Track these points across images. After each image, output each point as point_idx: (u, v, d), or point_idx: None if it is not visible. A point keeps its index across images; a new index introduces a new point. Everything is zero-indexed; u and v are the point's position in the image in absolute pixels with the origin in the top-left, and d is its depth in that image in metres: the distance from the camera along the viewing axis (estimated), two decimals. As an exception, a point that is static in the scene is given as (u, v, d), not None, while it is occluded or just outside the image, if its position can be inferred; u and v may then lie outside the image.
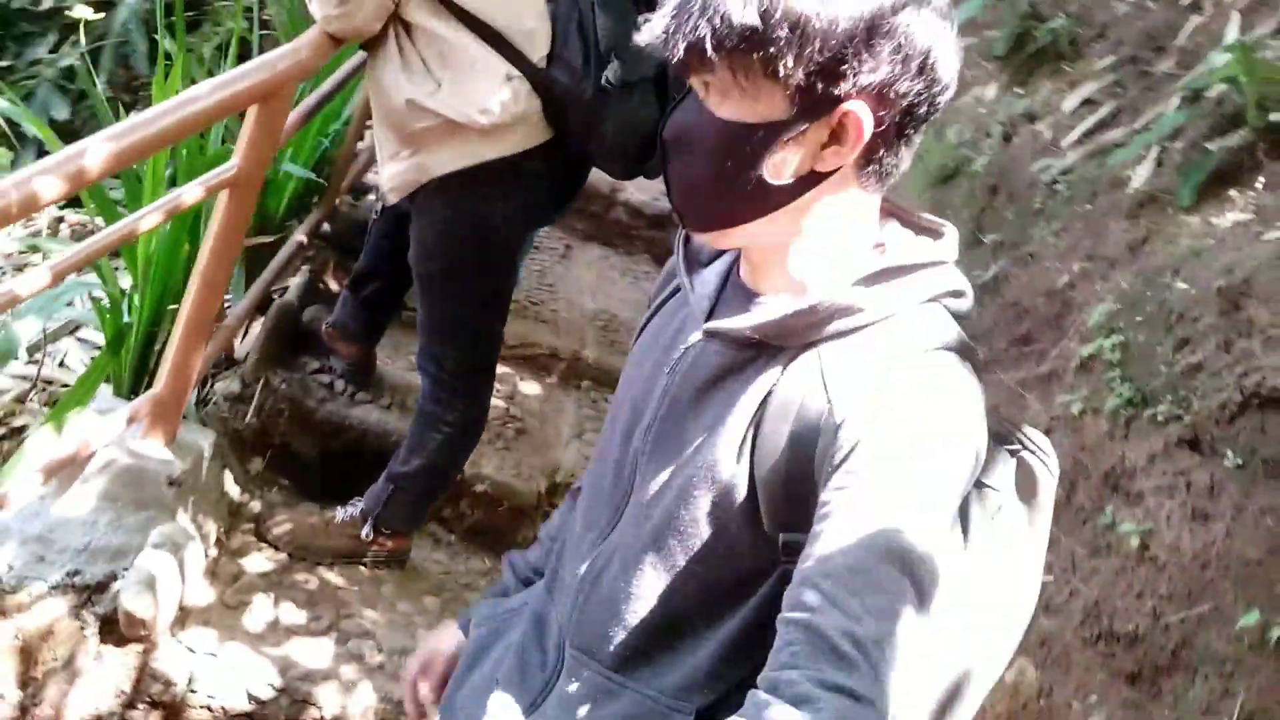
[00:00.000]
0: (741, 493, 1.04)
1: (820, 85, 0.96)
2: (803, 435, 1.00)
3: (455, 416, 2.46)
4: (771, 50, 0.94)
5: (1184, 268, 2.60)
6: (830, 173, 1.01)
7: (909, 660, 0.87)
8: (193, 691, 2.23)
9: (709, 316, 1.12)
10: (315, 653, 2.36)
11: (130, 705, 2.23)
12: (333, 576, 2.59)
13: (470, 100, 2.12)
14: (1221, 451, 2.27)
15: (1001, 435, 1.10)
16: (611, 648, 1.13)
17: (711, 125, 1.00)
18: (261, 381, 2.86)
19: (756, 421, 1.04)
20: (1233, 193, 2.76)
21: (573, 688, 1.16)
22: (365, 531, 2.61)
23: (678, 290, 1.20)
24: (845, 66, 0.95)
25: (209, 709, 2.24)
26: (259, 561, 2.54)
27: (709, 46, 0.95)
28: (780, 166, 1.00)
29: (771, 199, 1.01)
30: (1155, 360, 2.50)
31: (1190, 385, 2.39)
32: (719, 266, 1.17)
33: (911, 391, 0.97)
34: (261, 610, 2.42)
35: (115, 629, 2.23)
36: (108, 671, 2.22)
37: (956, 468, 0.96)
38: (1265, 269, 2.37)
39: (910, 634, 0.87)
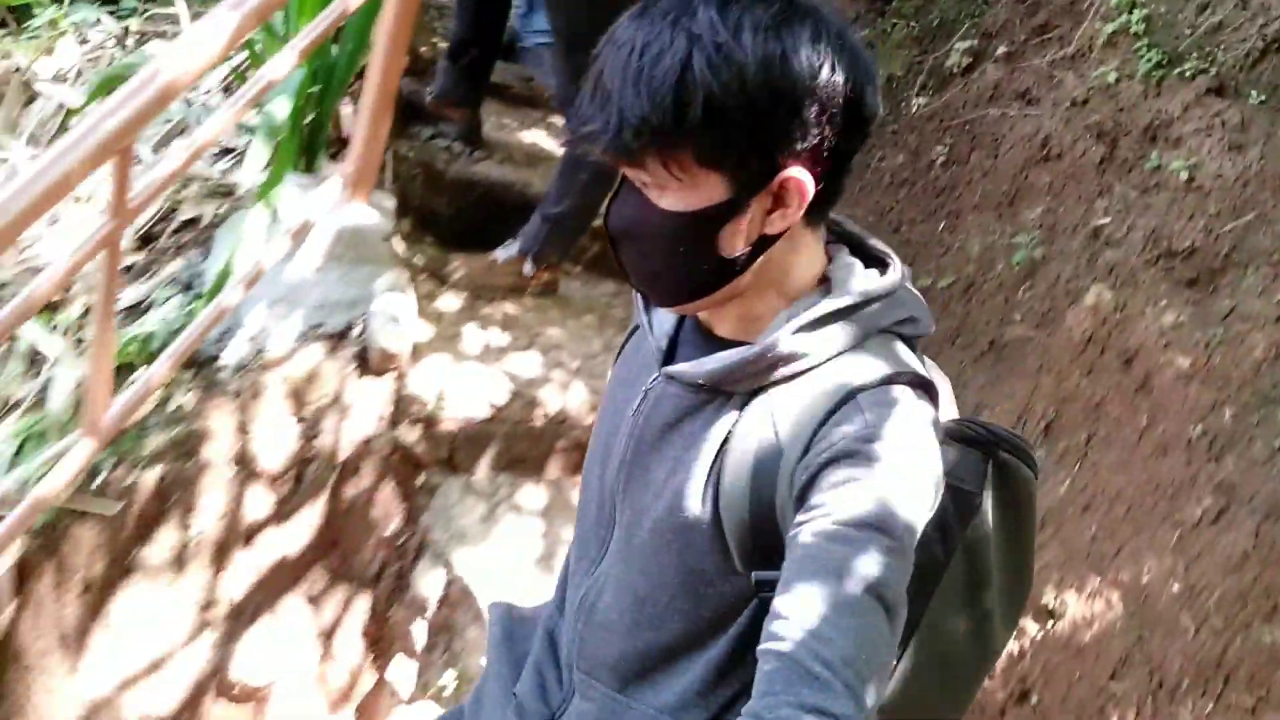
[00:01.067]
0: (710, 536, 1.06)
1: (754, 162, 0.97)
2: (762, 481, 1.02)
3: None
4: (697, 141, 0.95)
5: (1192, -57, 3.04)
6: (782, 233, 1.02)
7: (884, 677, 0.90)
8: (442, 407, 2.64)
9: (668, 353, 1.15)
10: (528, 365, 2.79)
11: (393, 425, 2.64)
12: (509, 308, 2.98)
13: None
14: (1247, 94, 2.78)
15: (977, 439, 1.14)
16: (612, 671, 1.18)
17: (657, 217, 1.00)
18: (391, 152, 3.13)
19: (718, 468, 1.05)
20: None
21: (586, 706, 1.21)
22: (527, 267, 2.98)
23: None
24: (773, 141, 0.96)
25: (458, 419, 2.65)
26: (450, 301, 2.91)
27: (635, 150, 0.95)
28: (732, 241, 1.01)
29: (729, 271, 1.03)
30: (1178, 26, 2.97)
31: (1214, 42, 2.87)
32: None
33: (861, 424, 0.98)
34: (473, 338, 2.81)
35: (368, 365, 2.61)
36: (369, 400, 2.61)
37: (913, 490, 0.97)
38: (1273, -66, 2.82)
39: (881, 649, 0.90)
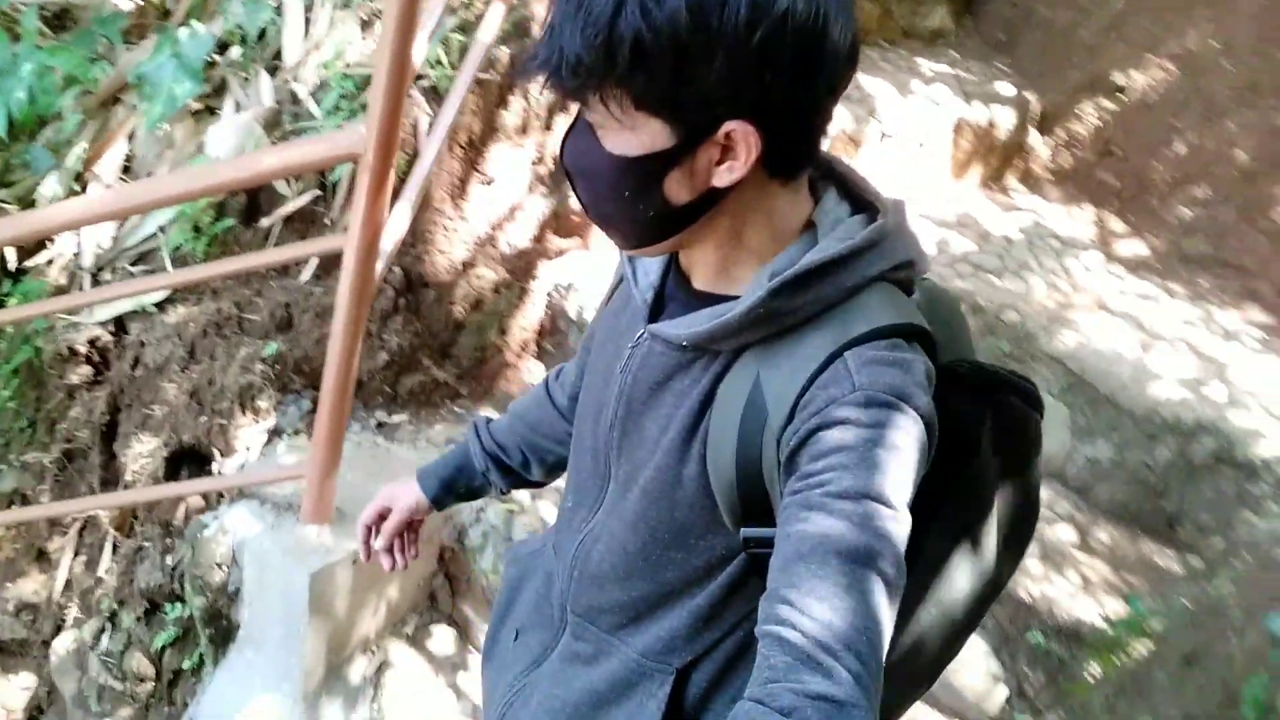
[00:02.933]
0: (699, 495, 1.06)
1: (694, 110, 0.92)
2: (747, 443, 1.00)
3: None
4: (632, 84, 0.91)
5: None
6: (732, 186, 0.97)
7: (885, 650, 0.87)
8: None
9: (653, 308, 1.13)
10: None
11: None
12: None
13: None
14: None
15: (975, 383, 1.09)
16: (605, 615, 1.21)
17: (603, 158, 0.97)
18: None
19: (705, 428, 1.04)
20: None
21: (579, 646, 1.24)
22: None
23: None
24: (711, 90, 0.90)
25: None
26: None
27: (576, 88, 0.93)
28: (679, 190, 0.97)
29: (678, 219, 0.99)
30: None
31: None
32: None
33: (849, 386, 0.94)
34: None
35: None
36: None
37: (906, 453, 0.92)
38: None
39: (882, 625, 0.87)
